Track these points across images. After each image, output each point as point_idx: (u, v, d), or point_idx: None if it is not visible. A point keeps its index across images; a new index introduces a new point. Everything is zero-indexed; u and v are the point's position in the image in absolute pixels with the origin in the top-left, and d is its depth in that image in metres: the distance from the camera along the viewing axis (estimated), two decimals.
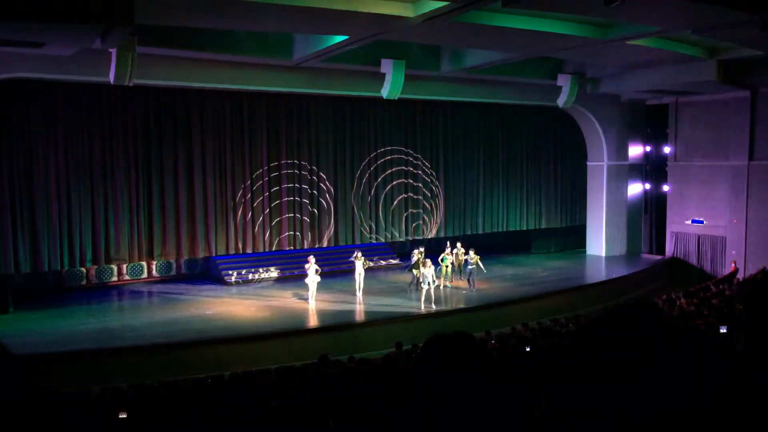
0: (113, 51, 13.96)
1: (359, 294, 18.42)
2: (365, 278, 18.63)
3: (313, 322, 16.80)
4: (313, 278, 17.51)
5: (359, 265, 18.42)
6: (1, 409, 1.32)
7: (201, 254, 19.75)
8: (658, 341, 1.05)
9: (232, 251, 20.15)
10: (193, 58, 16.51)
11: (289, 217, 20.97)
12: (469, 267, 19.36)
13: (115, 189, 18.17)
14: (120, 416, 7.61)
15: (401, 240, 23.29)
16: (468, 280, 19.46)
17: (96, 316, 17.04)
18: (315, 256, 18.30)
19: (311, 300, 17.66)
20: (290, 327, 16.25)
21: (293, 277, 20.06)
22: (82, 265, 18.18)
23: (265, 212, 20.57)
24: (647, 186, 26.58)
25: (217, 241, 19.72)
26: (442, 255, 20.14)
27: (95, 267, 19.32)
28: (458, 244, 21.09)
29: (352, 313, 17.47)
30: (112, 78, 14.54)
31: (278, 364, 13.10)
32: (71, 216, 17.64)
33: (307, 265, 17.65)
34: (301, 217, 21.18)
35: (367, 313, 17.29)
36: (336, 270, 20.51)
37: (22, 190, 17.02)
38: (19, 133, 16.91)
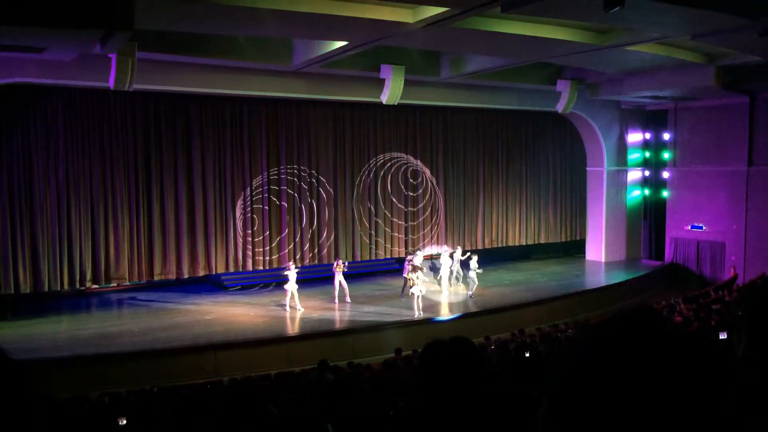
0: (113, 56, 13.98)
1: (337, 302, 18.36)
2: (346, 285, 18.55)
3: (312, 328, 16.73)
4: (293, 285, 17.46)
5: (339, 273, 18.43)
6: (4, 413, 1.32)
7: (201, 272, 19.53)
8: (658, 347, 1.05)
9: (231, 269, 19.99)
10: (192, 64, 16.53)
11: (288, 233, 20.70)
12: (471, 273, 19.28)
13: (115, 207, 18.06)
14: (120, 423, 7.60)
15: (401, 257, 22.86)
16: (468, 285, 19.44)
17: (95, 322, 17.02)
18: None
19: (297, 305, 17.58)
20: (289, 333, 16.26)
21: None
22: (82, 285, 17.96)
23: (265, 234, 20.36)
24: (647, 191, 26.59)
25: (216, 260, 19.59)
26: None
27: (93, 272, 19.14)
28: (458, 248, 21.12)
29: (351, 319, 17.45)
30: (111, 83, 14.55)
31: (277, 370, 13.09)
32: (71, 235, 17.52)
33: (287, 272, 17.63)
34: (301, 233, 20.97)
35: (366, 319, 17.26)
36: (326, 276, 20.51)
37: (23, 209, 16.93)
38: (19, 147, 16.81)
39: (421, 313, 17.13)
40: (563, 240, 26.58)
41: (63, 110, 17.33)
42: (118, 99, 17.58)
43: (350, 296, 18.62)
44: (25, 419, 1.34)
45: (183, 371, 13.66)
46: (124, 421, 7.59)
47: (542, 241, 26.03)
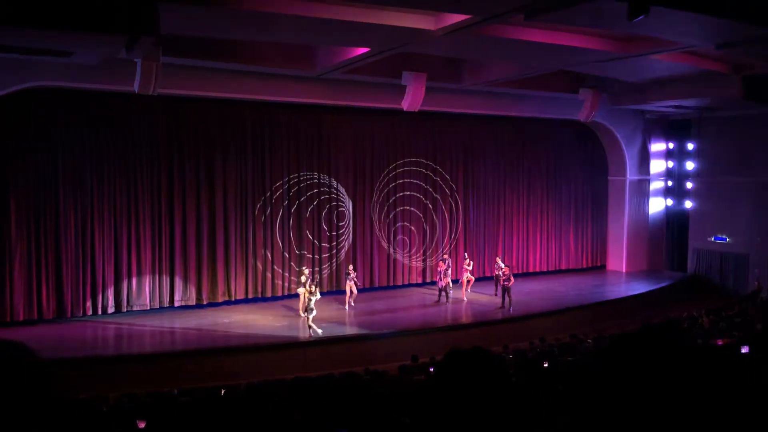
0: (138, 60, 14.15)
1: (347, 308, 18.48)
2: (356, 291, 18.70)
3: (329, 333, 16.71)
4: (304, 290, 17.47)
5: (350, 280, 18.60)
6: (25, 412, 1.34)
7: (221, 299, 19.26)
8: (682, 360, 1.04)
9: (251, 295, 19.78)
10: (215, 69, 16.63)
11: (308, 258, 20.48)
12: (504, 282, 19.02)
13: (138, 233, 18.06)
14: (139, 426, 7.64)
15: (417, 283, 22.52)
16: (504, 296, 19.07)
17: (114, 323, 17.15)
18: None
19: (302, 312, 17.44)
20: (306, 338, 16.28)
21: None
22: (104, 313, 17.83)
23: (285, 256, 20.20)
24: (669, 202, 26.31)
25: (236, 286, 19.47)
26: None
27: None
28: (497, 259, 21.04)
29: (366, 324, 17.42)
30: (136, 87, 14.72)
31: (294, 375, 13.11)
32: (95, 263, 17.53)
33: (303, 278, 17.71)
34: (320, 258, 20.76)
35: (383, 325, 17.23)
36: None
37: (48, 237, 16.97)
38: (44, 167, 16.82)
39: (319, 331, 16.05)
40: (584, 267, 26.02)
41: (88, 129, 17.27)
42: (141, 113, 17.66)
43: (368, 302, 18.61)
44: (50, 416, 1.36)
45: (201, 374, 13.72)
46: (143, 425, 7.64)
47: (563, 267, 25.43)
